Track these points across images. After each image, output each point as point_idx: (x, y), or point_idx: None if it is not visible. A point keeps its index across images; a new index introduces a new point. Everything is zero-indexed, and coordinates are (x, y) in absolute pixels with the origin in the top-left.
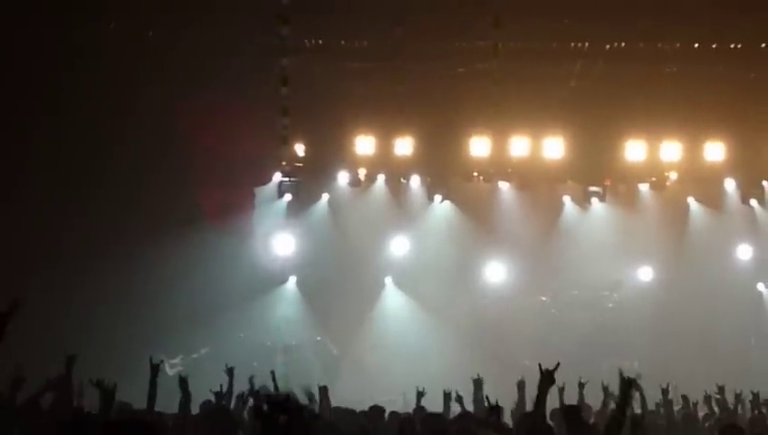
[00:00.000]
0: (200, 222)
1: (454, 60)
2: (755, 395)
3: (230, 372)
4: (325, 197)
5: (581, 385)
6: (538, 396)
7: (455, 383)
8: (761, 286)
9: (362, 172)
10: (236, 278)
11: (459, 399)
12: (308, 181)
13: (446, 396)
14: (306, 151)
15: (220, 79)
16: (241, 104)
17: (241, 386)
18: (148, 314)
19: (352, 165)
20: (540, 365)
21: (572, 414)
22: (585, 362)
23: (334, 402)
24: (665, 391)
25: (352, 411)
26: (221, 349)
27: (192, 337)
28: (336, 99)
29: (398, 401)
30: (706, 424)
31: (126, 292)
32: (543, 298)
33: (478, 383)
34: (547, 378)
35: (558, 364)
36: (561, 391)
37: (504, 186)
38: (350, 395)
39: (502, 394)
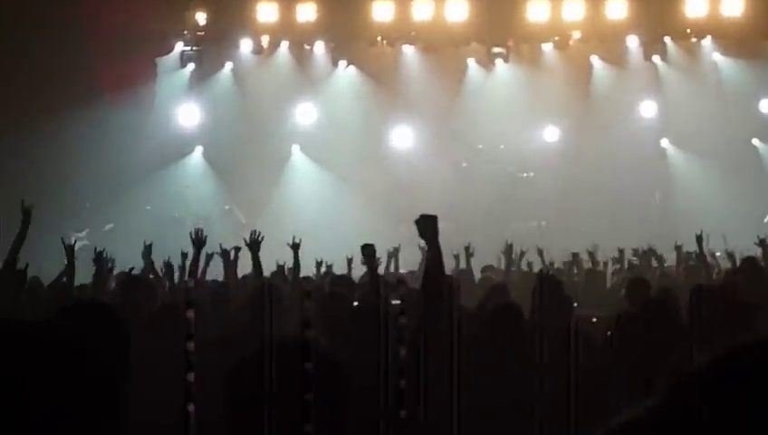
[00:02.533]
0: (101, 95)
1: None
2: (678, 247)
3: (147, 250)
4: (228, 65)
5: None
6: (428, 247)
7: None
8: (664, 142)
9: (265, 39)
10: (140, 150)
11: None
12: (210, 50)
13: (349, 261)
14: (208, 20)
15: None
16: None
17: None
18: (52, 190)
19: (255, 32)
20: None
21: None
22: (493, 222)
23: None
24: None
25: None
26: (128, 223)
27: (97, 212)
28: None
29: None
30: (614, 279)
31: (27, 168)
32: (459, 161)
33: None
34: (429, 224)
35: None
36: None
37: (408, 49)
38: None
39: (414, 258)
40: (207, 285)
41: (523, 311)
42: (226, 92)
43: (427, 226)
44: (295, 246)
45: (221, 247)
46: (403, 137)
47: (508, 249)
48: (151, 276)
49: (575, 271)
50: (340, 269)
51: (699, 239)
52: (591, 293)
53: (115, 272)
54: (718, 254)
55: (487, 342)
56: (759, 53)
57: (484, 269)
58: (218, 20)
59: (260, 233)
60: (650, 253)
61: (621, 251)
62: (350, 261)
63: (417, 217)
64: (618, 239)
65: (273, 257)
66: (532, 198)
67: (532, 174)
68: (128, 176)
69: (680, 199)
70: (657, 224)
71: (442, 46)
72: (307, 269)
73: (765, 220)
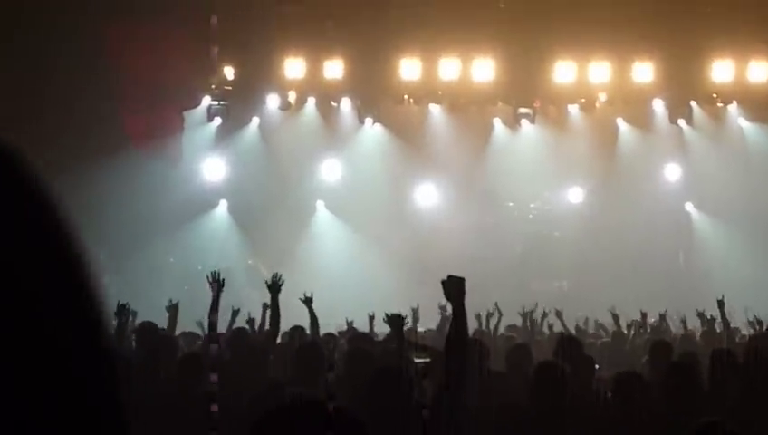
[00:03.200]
0: (127, 146)
1: None
2: (701, 313)
3: (174, 308)
4: (255, 120)
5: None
6: (454, 310)
7: (389, 309)
8: (689, 206)
9: (292, 95)
10: (166, 203)
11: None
12: (237, 105)
13: (371, 319)
14: (235, 74)
15: (149, 1)
16: (169, 26)
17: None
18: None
19: (282, 88)
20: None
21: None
22: (515, 282)
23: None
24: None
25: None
26: (152, 274)
27: (121, 262)
28: (265, 21)
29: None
30: (636, 342)
31: None
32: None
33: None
34: (456, 286)
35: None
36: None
37: (434, 108)
38: (283, 320)
39: (432, 314)
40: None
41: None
42: (252, 147)
43: (453, 287)
44: (308, 301)
45: (249, 316)
46: (428, 195)
47: (529, 312)
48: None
49: (601, 332)
50: (361, 326)
51: (721, 304)
52: (614, 355)
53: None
54: (741, 321)
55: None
56: None
57: (508, 329)
58: (246, 75)
59: (281, 275)
60: (671, 317)
61: (644, 314)
62: (371, 318)
63: (443, 277)
64: (640, 302)
65: (295, 313)
66: (554, 258)
67: (557, 233)
68: (152, 227)
69: (703, 264)
70: (679, 288)
71: (468, 105)
72: (327, 326)
73: None
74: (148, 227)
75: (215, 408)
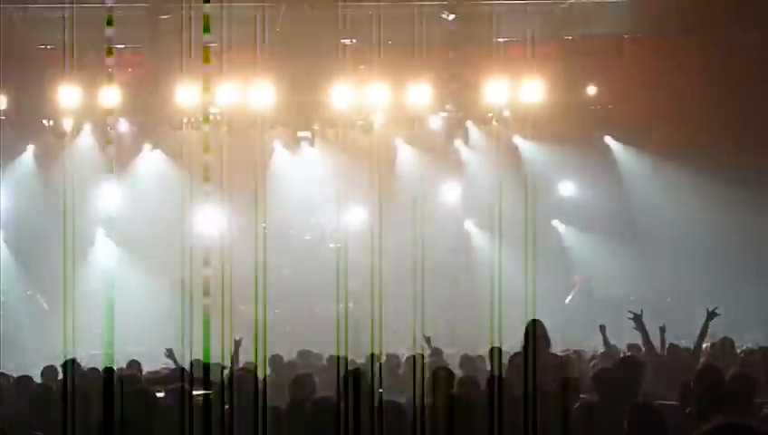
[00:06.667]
0: None
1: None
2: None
3: None
4: (30, 149)
5: None
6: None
7: (169, 340)
8: (468, 225)
9: (68, 123)
10: None
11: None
12: (11, 133)
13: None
14: (8, 103)
15: None
16: None
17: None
18: None
19: (57, 115)
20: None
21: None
22: (298, 306)
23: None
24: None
25: None
26: None
27: None
28: (36, 49)
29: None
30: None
31: None
32: (263, 225)
33: None
34: None
35: None
36: None
37: (213, 132)
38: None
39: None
40: None
41: None
42: (28, 176)
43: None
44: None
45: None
46: (209, 220)
47: None
48: None
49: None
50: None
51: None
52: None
53: None
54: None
55: None
56: (558, 137)
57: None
58: (20, 103)
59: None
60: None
61: (428, 338)
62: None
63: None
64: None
65: (81, 343)
66: (336, 280)
67: (339, 244)
68: None
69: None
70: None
71: (248, 129)
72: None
73: (566, 301)
74: None
75: None
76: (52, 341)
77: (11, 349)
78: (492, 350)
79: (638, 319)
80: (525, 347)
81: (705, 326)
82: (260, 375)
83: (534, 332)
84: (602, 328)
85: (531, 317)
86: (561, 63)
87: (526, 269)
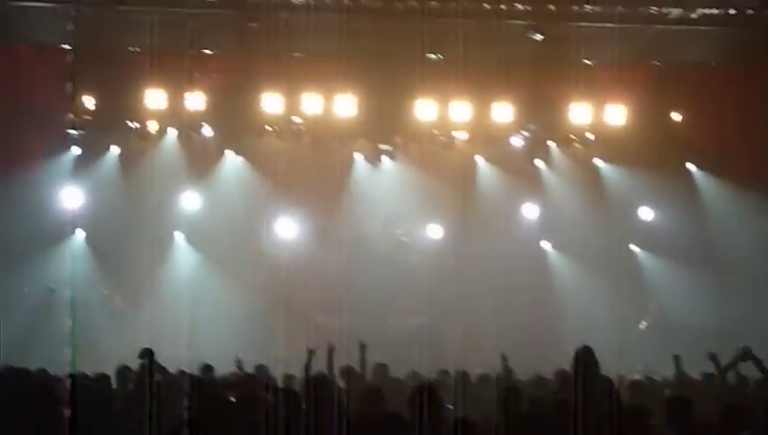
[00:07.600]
0: None
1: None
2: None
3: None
4: (114, 150)
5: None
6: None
7: (245, 346)
8: (546, 245)
9: (153, 125)
10: (20, 231)
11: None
12: (97, 134)
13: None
14: (96, 104)
15: (9, 26)
16: (32, 53)
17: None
18: None
19: (142, 118)
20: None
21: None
22: (373, 317)
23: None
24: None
25: None
26: (4, 304)
27: None
28: (125, 51)
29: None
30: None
31: None
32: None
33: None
34: None
35: None
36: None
37: (296, 142)
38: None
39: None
40: None
41: None
42: (111, 177)
43: None
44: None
45: None
46: (288, 229)
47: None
48: None
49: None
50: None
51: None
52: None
53: None
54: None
55: None
56: (640, 162)
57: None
58: (106, 104)
59: None
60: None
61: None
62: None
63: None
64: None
65: (157, 346)
66: (414, 295)
67: (416, 268)
68: (4, 255)
69: (559, 302)
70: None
71: (330, 141)
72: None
73: (641, 326)
74: (1, 255)
75: None
76: (129, 341)
77: (87, 348)
78: (558, 372)
79: (748, 354)
80: (576, 372)
81: (734, 364)
82: (335, 385)
83: (585, 358)
84: (677, 358)
85: (605, 340)
86: (647, 88)
87: (601, 293)
